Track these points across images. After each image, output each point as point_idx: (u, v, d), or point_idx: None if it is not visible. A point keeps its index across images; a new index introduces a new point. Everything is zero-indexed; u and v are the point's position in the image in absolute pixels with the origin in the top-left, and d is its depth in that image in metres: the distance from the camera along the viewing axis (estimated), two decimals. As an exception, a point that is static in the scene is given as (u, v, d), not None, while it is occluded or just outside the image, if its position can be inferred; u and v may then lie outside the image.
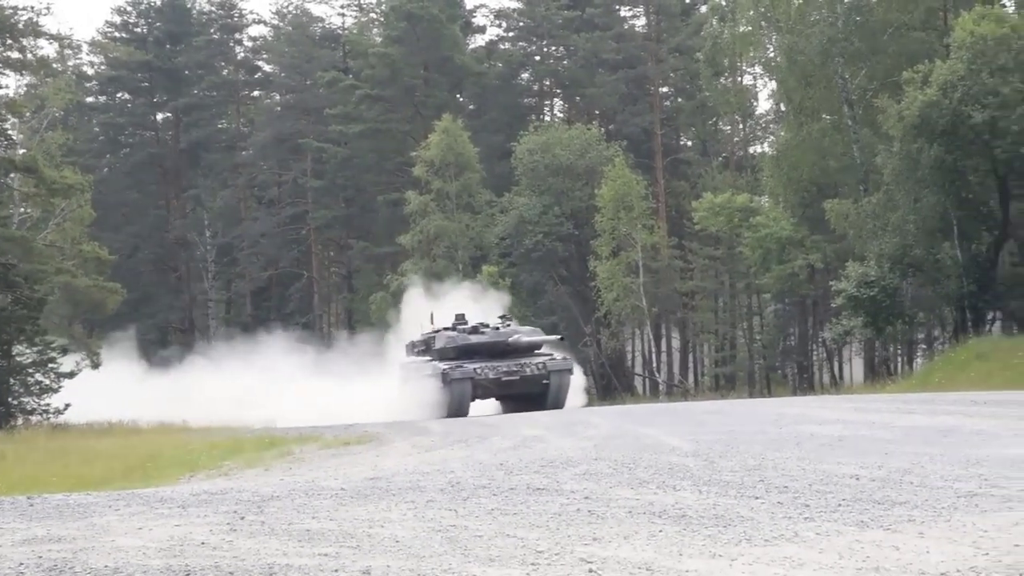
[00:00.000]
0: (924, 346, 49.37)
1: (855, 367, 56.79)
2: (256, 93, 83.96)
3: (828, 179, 50.12)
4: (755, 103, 70.59)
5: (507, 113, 73.85)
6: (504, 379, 32.32)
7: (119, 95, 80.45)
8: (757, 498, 10.00)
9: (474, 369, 32.17)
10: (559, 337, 35.71)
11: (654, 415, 24.42)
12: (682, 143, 76.33)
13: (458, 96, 73.39)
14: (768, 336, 62.71)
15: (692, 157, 71.89)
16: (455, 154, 60.48)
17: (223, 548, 8.93)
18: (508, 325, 34.94)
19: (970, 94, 39.00)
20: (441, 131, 60.39)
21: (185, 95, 77.19)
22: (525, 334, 34.18)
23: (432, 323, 35.87)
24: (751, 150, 72.92)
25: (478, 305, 42.31)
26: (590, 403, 41.66)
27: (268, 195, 78.49)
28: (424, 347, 35.39)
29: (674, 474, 12.19)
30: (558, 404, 32.26)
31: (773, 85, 61.13)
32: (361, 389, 37.85)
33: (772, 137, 67.82)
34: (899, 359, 51.29)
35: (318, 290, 74.94)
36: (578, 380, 36.02)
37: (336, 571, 7.87)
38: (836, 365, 57.62)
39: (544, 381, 32.47)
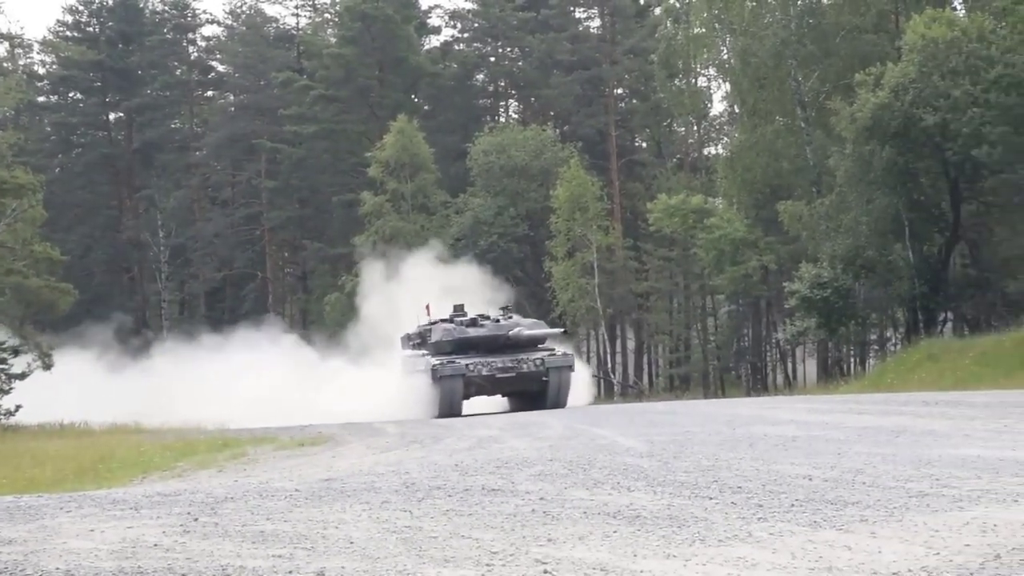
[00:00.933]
0: (876, 347, 49.73)
1: (808, 368, 57.12)
2: (210, 93, 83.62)
3: (781, 181, 50.39)
4: (709, 105, 70.85)
5: (462, 114, 73.86)
6: (499, 376, 30.52)
7: (71, 95, 79.88)
8: (711, 498, 10.04)
9: (466, 365, 30.18)
10: (563, 331, 33.66)
11: (608, 416, 24.47)
12: (637, 144, 76.57)
13: (413, 97, 73.33)
14: (722, 337, 62.98)
15: (647, 158, 72.13)
16: (410, 155, 60.44)
17: (176, 550, 8.89)
18: (509, 317, 32.83)
19: (921, 97, 39.33)
20: (396, 132, 60.35)
21: (138, 95, 76.72)
22: (527, 327, 32.03)
23: (428, 314, 33.60)
24: (705, 152, 73.25)
25: (434, 284, 40.78)
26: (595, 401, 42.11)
27: (222, 196, 78.22)
28: (420, 340, 33.45)
29: (628, 475, 12.22)
30: (558, 402, 30.43)
31: (727, 87, 61.42)
32: (356, 384, 36.01)
33: (726, 139, 68.21)
34: (852, 360, 51.63)
35: (272, 291, 74.73)
36: (582, 376, 34.56)
37: (290, 572, 7.85)
38: (789, 366, 57.93)
39: (543, 378, 30.72)
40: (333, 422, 28.32)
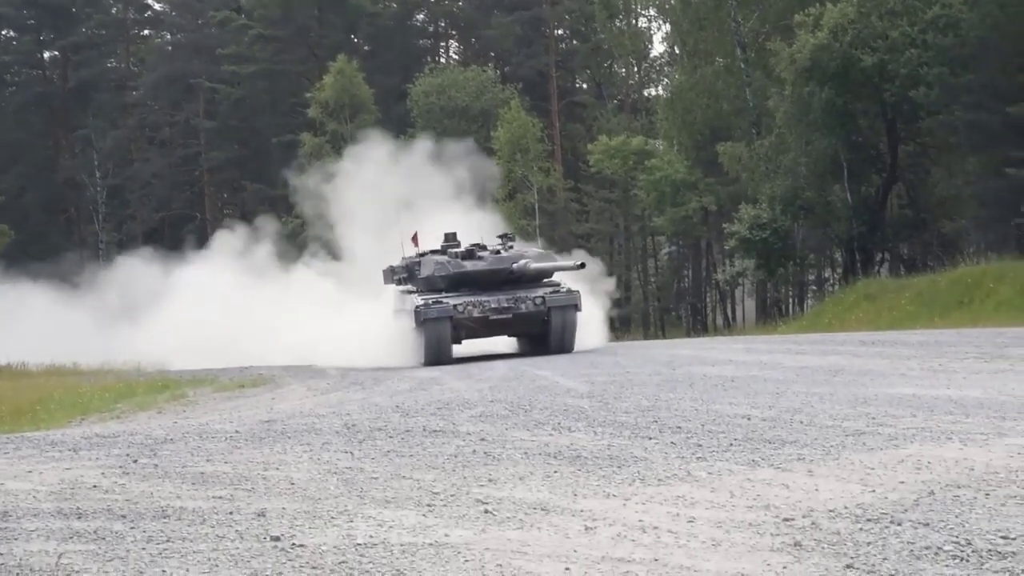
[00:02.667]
0: (815, 287, 50.14)
1: (748, 308, 57.47)
2: (146, 32, 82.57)
3: (721, 122, 50.50)
4: (649, 46, 70.83)
5: (402, 55, 73.37)
6: (492, 318, 25.93)
7: (4, 32, 78.60)
8: (651, 439, 10.11)
9: (454, 306, 25.61)
10: (579, 264, 26.94)
11: (549, 357, 24.56)
12: (577, 86, 76.40)
13: (353, 37, 72.79)
14: (663, 278, 63.24)
15: (587, 100, 72.01)
16: (350, 96, 60.07)
17: (115, 491, 8.86)
18: (511, 247, 27.75)
19: (860, 37, 39.49)
20: (336, 72, 59.93)
21: (73, 33, 75.55)
22: (533, 259, 26.99)
23: (416, 244, 28.74)
24: (646, 93, 73.22)
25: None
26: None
27: (159, 136, 77.38)
28: (406, 274, 28.46)
29: (569, 416, 12.28)
30: (563, 346, 26.21)
31: (667, 28, 61.43)
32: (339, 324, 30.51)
33: (666, 80, 68.16)
34: (790, 300, 52.01)
35: (211, 232, 74.19)
36: (595, 316, 29.69)
37: (231, 513, 7.84)
38: (729, 307, 58.28)
39: (544, 319, 26.07)
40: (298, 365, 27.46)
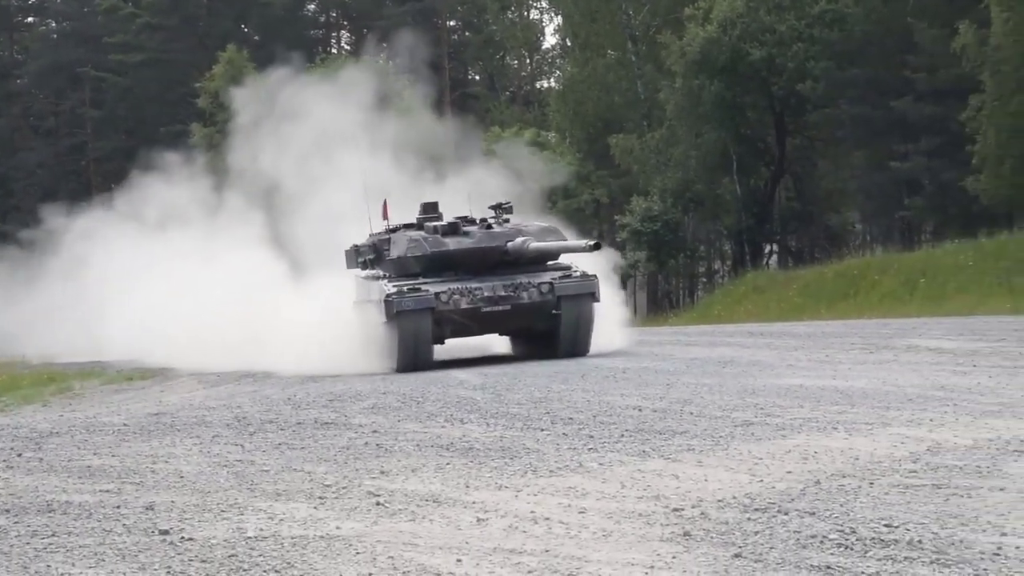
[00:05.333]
0: (705, 279, 50.59)
1: (639, 300, 57.86)
2: (31, 20, 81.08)
3: (613, 114, 50.74)
4: (541, 38, 70.99)
5: (293, 45, 72.77)
6: (485, 310, 19.84)
7: None
8: (543, 430, 10.16)
9: (436, 295, 19.59)
10: (593, 243, 20.08)
11: (442, 349, 24.37)
12: (470, 77, 76.36)
13: (243, 26, 72.08)
14: (554, 270, 63.23)
15: (480, 91, 72.01)
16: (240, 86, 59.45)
17: None
18: (506, 220, 21.34)
19: (749, 31, 39.97)
20: (225, 62, 59.30)
21: (-45, 20, 74.10)
22: (535, 235, 20.75)
23: (386, 218, 22.03)
24: (538, 85, 73.37)
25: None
26: None
27: (45, 125, 76.05)
28: (374, 255, 21.83)
29: (462, 407, 12.30)
30: (576, 347, 19.98)
31: (559, 20, 61.56)
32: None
33: (558, 72, 68.33)
34: (681, 292, 52.44)
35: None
36: (612, 311, 22.28)
37: (118, 507, 7.76)
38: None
39: (553, 311, 19.89)
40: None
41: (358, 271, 22.16)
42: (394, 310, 19.28)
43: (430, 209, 22.05)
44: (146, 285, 29.33)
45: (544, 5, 67.34)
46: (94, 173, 72.69)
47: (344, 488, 8.00)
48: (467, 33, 74.31)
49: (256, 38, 73.06)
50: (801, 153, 45.38)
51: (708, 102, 40.76)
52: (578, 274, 20.38)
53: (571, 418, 10.76)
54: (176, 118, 66.40)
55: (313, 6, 77.43)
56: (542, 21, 71.07)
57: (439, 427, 10.85)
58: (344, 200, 24.23)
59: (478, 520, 6.76)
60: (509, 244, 20.45)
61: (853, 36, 39.93)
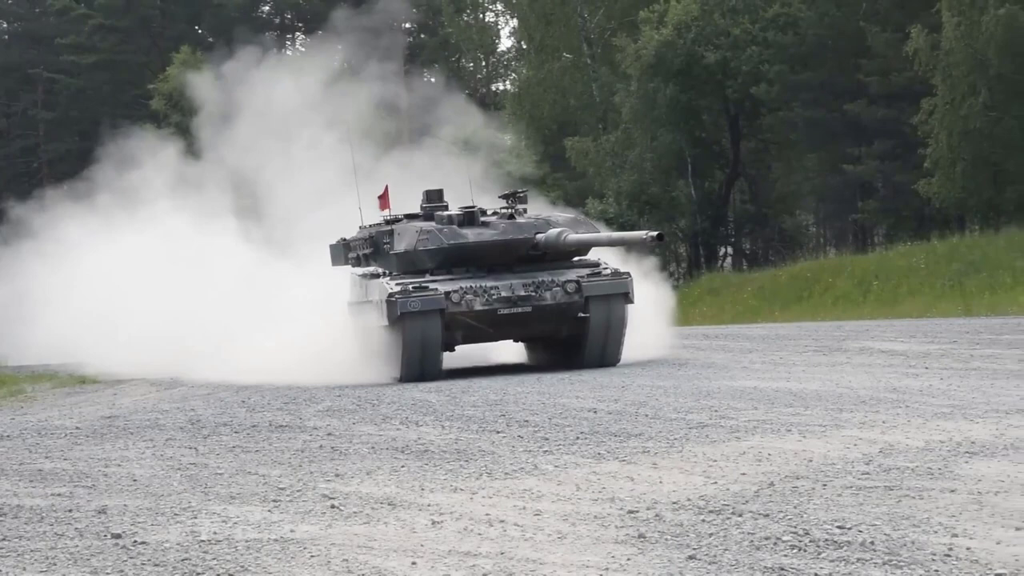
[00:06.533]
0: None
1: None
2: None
3: (568, 117, 50.83)
4: (497, 41, 70.99)
5: (248, 46, 72.54)
6: (503, 312, 17.38)
7: None
8: (498, 432, 10.16)
9: (447, 294, 17.17)
10: (656, 234, 17.19)
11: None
12: (426, 80, 76.29)
13: (197, 28, 71.78)
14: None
15: (436, 94, 71.92)
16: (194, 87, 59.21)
17: (-49, 492, 8.65)
18: (524, 209, 18.89)
19: (703, 35, 40.18)
20: (179, 63, 59.03)
21: (-96, 20, 73.43)
22: (569, 226, 18.18)
23: (386, 206, 19.41)
24: (494, 87, 73.38)
25: None
26: None
27: (-4, 127, 75.52)
28: (370, 249, 19.22)
29: (417, 410, 12.28)
30: (606, 357, 17.55)
31: (515, 23, 61.58)
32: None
33: (514, 75, 68.38)
34: (636, 295, 52.46)
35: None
36: (645, 314, 18.89)
37: (70, 511, 7.71)
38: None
39: (580, 314, 17.40)
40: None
41: (351, 268, 19.83)
42: (398, 311, 16.89)
43: (435, 197, 19.47)
44: (99, 283, 25.72)
45: (500, 8, 67.39)
46: (46, 175, 72.18)
47: (299, 491, 7.97)
48: (423, 35, 74.26)
49: (210, 40, 72.81)
50: (755, 156, 45.62)
51: (663, 105, 40.92)
52: (608, 271, 17.85)
53: (527, 420, 10.77)
54: (130, 120, 66.04)
55: (268, 8, 77.20)
56: (497, 24, 71.13)
57: (394, 429, 10.83)
58: (324, 189, 22.62)
59: (433, 523, 6.75)
60: (539, 236, 17.87)
61: (806, 40, 40.18)
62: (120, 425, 12.42)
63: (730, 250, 45.87)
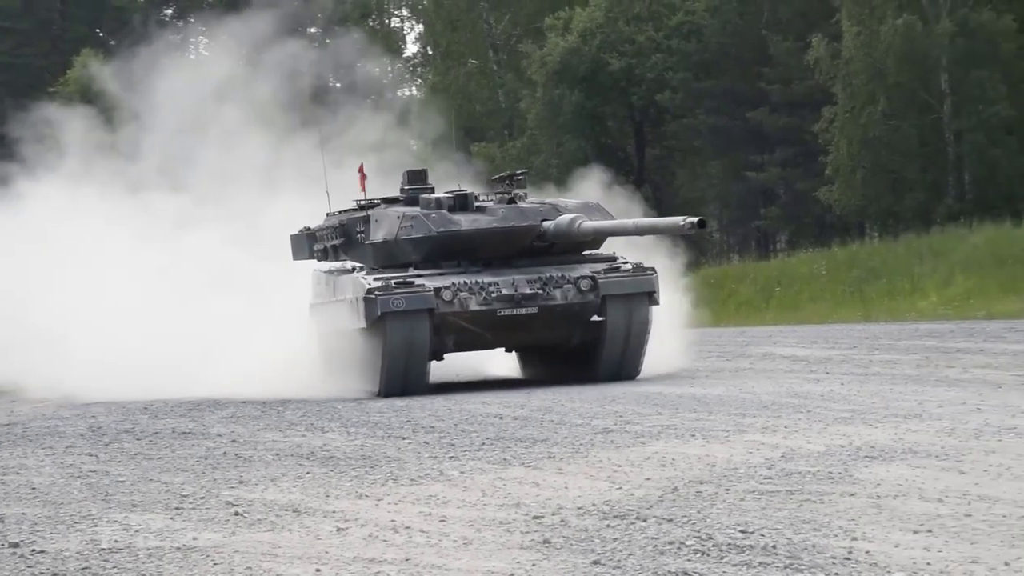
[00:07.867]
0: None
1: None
2: None
3: (474, 123, 50.83)
4: (403, 46, 70.86)
5: (150, 49, 71.83)
6: (503, 313, 14.58)
7: None
8: (404, 438, 10.14)
9: (436, 291, 14.43)
10: (698, 220, 14.70)
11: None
12: (331, 84, 75.97)
13: (98, 31, 70.95)
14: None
15: (342, 98, 71.65)
16: (96, 92, 58.52)
17: None
18: (525, 194, 16.24)
19: (608, 42, 40.42)
20: (80, 67, 58.29)
21: None
22: (580, 213, 15.29)
23: (363, 187, 16.60)
24: (400, 93, 73.22)
25: None
26: None
27: None
28: (341, 239, 16.23)
29: (322, 416, 12.23)
30: (624, 368, 14.99)
31: (420, 28, 61.53)
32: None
33: (420, 80, 68.30)
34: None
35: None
36: (669, 318, 16.09)
37: (-33, 522, 7.58)
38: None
39: (595, 318, 14.83)
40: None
41: (315, 263, 17.05)
42: (378, 311, 14.22)
43: (418, 179, 16.53)
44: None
45: (405, 13, 67.30)
46: (-57, 179, 70.96)
47: (202, 498, 7.90)
48: (328, 41, 73.92)
49: (112, 42, 71.98)
50: (660, 163, 45.92)
51: (568, 112, 41.08)
52: (629, 267, 15.18)
53: (432, 426, 10.76)
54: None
55: (170, 10, 76.48)
56: (403, 29, 70.98)
57: (299, 436, 10.77)
58: (278, 176, 20.68)
59: (338, 529, 6.72)
60: (546, 224, 15.14)
61: (710, 48, 40.56)
62: (19, 432, 12.24)
63: (636, 257, 46.14)
